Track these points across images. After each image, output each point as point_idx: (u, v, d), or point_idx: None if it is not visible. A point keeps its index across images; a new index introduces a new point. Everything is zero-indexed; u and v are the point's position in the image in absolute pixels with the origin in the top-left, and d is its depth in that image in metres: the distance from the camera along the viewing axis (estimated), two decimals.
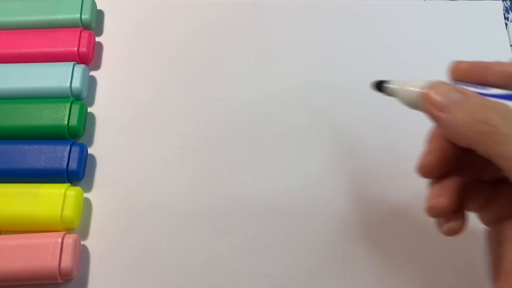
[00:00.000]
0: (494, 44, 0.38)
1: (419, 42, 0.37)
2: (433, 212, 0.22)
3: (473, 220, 0.23)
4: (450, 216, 0.22)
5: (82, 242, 0.30)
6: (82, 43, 0.35)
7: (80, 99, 0.34)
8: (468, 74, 0.23)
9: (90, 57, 0.35)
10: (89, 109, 0.34)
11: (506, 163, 0.18)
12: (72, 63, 0.34)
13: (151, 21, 0.38)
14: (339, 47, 0.37)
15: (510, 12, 0.39)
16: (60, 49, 0.34)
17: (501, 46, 0.38)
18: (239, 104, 0.35)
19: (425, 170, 0.23)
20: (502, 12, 0.39)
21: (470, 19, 0.39)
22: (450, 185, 0.22)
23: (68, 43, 0.35)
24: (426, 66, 0.37)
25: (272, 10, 0.38)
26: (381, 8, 0.39)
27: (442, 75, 0.36)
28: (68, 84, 0.33)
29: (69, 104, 0.32)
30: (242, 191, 0.32)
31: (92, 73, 0.36)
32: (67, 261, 0.28)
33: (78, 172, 0.31)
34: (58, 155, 0.31)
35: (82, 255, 0.30)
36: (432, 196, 0.22)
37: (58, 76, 0.33)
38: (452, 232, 0.22)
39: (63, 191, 0.30)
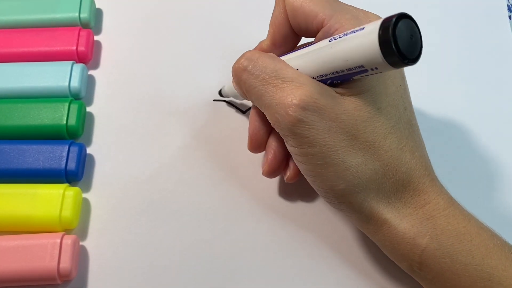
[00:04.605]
0: (497, 39, 0.38)
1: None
2: (269, 173, 0.29)
3: None
4: (282, 170, 0.29)
5: (81, 243, 0.30)
6: (81, 42, 0.35)
7: (79, 98, 0.34)
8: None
9: (88, 56, 0.35)
10: (88, 109, 0.34)
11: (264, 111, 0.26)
12: (71, 62, 0.34)
13: (150, 19, 0.38)
14: None
15: (511, 11, 0.39)
16: (58, 48, 0.34)
17: (503, 41, 0.38)
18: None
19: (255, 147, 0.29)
20: (505, 7, 0.39)
21: (473, 14, 0.39)
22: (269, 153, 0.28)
23: (66, 42, 0.34)
24: (428, 61, 0.37)
25: None
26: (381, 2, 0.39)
27: (446, 70, 0.36)
28: (67, 84, 0.33)
29: (67, 104, 0.32)
30: (243, 191, 0.32)
31: (91, 72, 0.36)
32: (66, 262, 0.28)
33: (76, 172, 0.31)
34: (57, 155, 0.31)
35: (81, 256, 0.30)
36: (266, 165, 0.29)
37: (57, 75, 0.33)
38: (292, 178, 0.29)
39: (61, 191, 0.29)
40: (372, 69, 0.22)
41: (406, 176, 0.25)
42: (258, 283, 0.29)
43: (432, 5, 0.39)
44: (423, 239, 0.24)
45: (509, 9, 0.39)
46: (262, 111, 0.26)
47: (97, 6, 0.38)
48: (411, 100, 0.27)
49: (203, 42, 0.37)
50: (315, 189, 0.27)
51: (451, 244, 0.24)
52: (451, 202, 0.25)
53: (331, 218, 0.31)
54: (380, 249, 0.27)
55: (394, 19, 0.20)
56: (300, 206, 0.31)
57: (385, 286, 0.29)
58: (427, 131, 0.33)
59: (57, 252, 0.28)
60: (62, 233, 0.29)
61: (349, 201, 0.25)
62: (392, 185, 0.25)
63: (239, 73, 0.26)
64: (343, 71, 0.23)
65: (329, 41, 0.23)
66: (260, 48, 0.29)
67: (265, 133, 0.29)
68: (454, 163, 0.33)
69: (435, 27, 0.38)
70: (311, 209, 0.31)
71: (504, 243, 0.25)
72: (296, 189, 0.31)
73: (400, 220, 0.25)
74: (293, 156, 0.26)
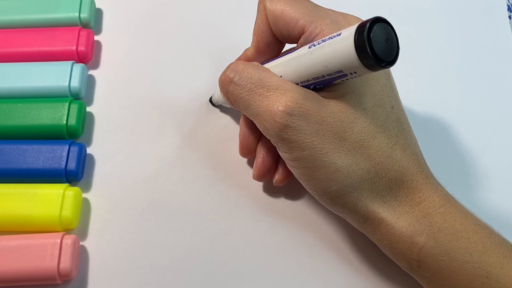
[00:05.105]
0: (497, 39, 0.38)
1: (420, 37, 0.37)
2: (259, 177, 0.30)
3: None
4: (272, 174, 0.30)
5: (81, 243, 0.30)
6: (81, 42, 0.35)
7: (79, 98, 0.34)
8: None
9: (88, 56, 0.35)
10: (88, 109, 0.34)
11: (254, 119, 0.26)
12: (71, 62, 0.34)
13: (150, 19, 0.38)
14: None
15: (511, 11, 0.39)
16: (58, 48, 0.34)
17: (503, 41, 0.38)
18: None
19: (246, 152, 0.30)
20: (505, 7, 0.39)
21: (473, 14, 0.39)
22: (258, 157, 0.29)
23: (66, 42, 0.34)
24: (428, 61, 0.37)
25: None
26: (383, 3, 0.39)
27: (445, 70, 0.37)
28: (67, 83, 0.33)
29: (67, 104, 0.32)
30: (242, 190, 0.32)
31: (91, 72, 0.36)
32: (66, 262, 0.28)
33: (76, 172, 0.31)
34: (57, 155, 0.31)
35: (81, 256, 0.30)
36: (255, 169, 0.30)
37: (57, 75, 0.33)
38: (280, 182, 0.30)
39: (61, 191, 0.29)
40: (351, 73, 0.22)
41: (399, 174, 0.25)
42: (258, 283, 0.29)
43: (432, 5, 0.39)
44: (421, 237, 0.24)
45: (509, 9, 0.39)
46: (251, 119, 0.26)
47: (97, 6, 0.38)
48: (399, 98, 0.27)
49: (202, 42, 0.37)
50: (311, 193, 0.27)
51: (449, 242, 0.24)
52: (448, 199, 0.25)
53: (331, 218, 0.31)
54: (380, 249, 0.27)
55: (368, 24, 0.20)
56: (300, 206, 0.31)
57: (384, 286, 0.29)
58: (426, 131, 0.34)
59: (57, 252, 0.28)
60: (62, 233, 0.29)
61: (343, 202, 0.25)
62: (386, 183, 0.25)
63: (226, 85, 0.27)
64: (323, 76, 0.23)
65: (309, 47, 0.24)
66: (245, 56, 0.29)
67: (254, 139, 0.29)
68: (454, 163, 0.33)
69: (435, 27, 0.38)
70: (311, 209, 0.31)
71: (502, 240, 0.25)
72: (296, 189, 0.31)
73: (397, 218, 0.25)
74: (286, 162, 0.26)
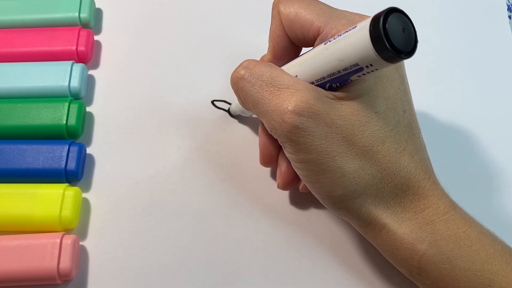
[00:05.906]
0: (497, 39, 0.38)
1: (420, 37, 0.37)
2: (284, 186, 0.29)
3: None
4: (296, 182, 0.29)
5: (80, 243, 0.30)
6: (81, 42, 0.35)
7: (79, 98, 0.34)
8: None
9: (88, 56, 0.35)
10: (88, 109, 0.34)
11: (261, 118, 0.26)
12: (71, 62, 0.34)
13: (150, 19, 0.38)
14: None
15: (511, 11, 0.39)
16: (58, 48, 0.34)
17: (503, 41, 0.38)
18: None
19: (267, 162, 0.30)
20: (505, 7, 0.39)
21: (473, 14, 0.39)
22: (282, 165, 0.29)
23: (66, 42, 0.34)
24: (428, 62, 0.37)
25: None
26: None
27: (445, 70, 0.36)
28: (67, 83, 0.33)
29: (67, 104, 0.32)
30: (242, 191, 0.32)
31: (91, 72, 0.36)
32: (66, 262, 0.28)
33: (76, 172, 0.31)
34: (57, 155, 0.31)
35: (81, 256, 0.30)
36: (280, 178, 0.29)
37: (57, 75, 0.33)
38: (306, 188, 0.28)
39: (61, 191, 0.29)
40: (367, 66, 0.22)
41: (405, 180, 0.25)
42: (258, 283, 0.29)
43: (432, 5, 0.39)
44: (422, 244, 0.24)
45: (509, 9, 0.39)
46: (260, 118, 0.26)
47: (97, 6, 0.38)
48: (412, 103, 0.27)
49: (203, 43, 0.37)
50: (314, 194, 0.27)
51: (451, 250, 0.24)
52: (452, 206, 0.25)
53: (332, 219, 0.31)
54: (381, 253, 0.27)
55: (383, 14, 0.20)
56: (300, 206, 0.31)
57: (384, 287, 0.29)
58: (425, 132, 0.34)
59: (57, 252, 0.28)
60: (62, 233, 0.29)
61: (346, 207, 0.25)
62: (391, 189, 0.25)
63: (237, 82, 0.26)
64: (339, 72, 0.23)
65: (324, 44, 0.23)
66: None
67: (275, 147, 0.29)
68: (453, 165, 0.33)
69: (435, 27, 0.38)
70: (311, 210, 0.31)
71: (505, 247, 0.25)
72: (296, 190, 0.31)
73: (399, 225, 0.25)
74: (291, 163, 0.26)
